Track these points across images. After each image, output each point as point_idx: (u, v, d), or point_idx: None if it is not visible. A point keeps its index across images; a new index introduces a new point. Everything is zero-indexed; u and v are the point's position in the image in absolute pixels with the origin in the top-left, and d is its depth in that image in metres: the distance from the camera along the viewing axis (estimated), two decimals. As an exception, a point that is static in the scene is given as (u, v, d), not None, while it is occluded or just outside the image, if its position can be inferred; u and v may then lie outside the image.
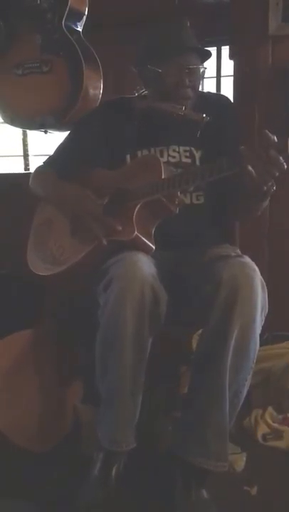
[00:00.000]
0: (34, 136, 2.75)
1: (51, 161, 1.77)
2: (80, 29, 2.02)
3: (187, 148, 1.64)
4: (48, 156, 1.81)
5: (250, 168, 1.28)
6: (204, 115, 1.56)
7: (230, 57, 2.15)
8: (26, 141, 2.79)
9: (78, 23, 2.01)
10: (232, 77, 2.19)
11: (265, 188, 1.34)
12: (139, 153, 1.66)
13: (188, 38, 1.59)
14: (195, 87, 1.61)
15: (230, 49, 2.15)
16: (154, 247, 1.48)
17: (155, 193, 1.46)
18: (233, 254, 1.49)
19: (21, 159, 2.84)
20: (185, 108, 1.57)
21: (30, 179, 1.78)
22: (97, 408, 1.47)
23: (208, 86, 2.37)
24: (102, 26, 2.25)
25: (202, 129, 1.58)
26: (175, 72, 1.57)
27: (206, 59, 1.63)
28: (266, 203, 1.52)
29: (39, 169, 1.80)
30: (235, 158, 1.31)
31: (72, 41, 1.93)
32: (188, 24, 1.61)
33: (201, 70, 1.61)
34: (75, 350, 1.82)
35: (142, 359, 1.40)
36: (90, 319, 1.46)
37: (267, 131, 1.27)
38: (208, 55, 1.62)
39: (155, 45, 1.59)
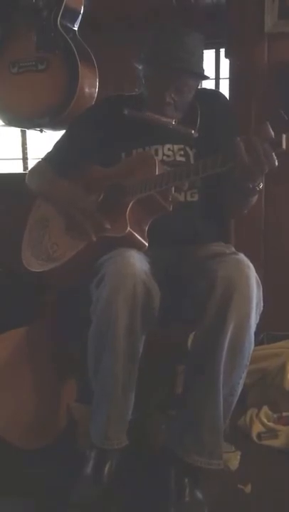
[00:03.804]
0: (33, 139, 2.76)
1: (49, 158, 1.78)
2: (75, 28, 2.03)
3: (181, 146, 1.64)
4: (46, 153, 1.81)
5: (242, 158, 1.27)
6: (193, 131, 1.56)
7: (227, 55, 2.14)
8: (25, 144, 2.80)
9: (74, 22, 2.02)
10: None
11: (251, 185, 1.34)
12: (134, 152, 1.65)
13: (182, 56, 1.52)
14: (179, 106, 1.58)
15: (226, 47, 2.15)
16: (147, 244, 1.48)
17: (148, 189, 1.46)
18: (227, 251, 1.48)
19: (20, 162, 2.85)
20: (175, 122, 1.57)
21: (27, 176, 1.79)
22: (91, 406, 1.46)
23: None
24: (102, 26, 2.26)
25: (194, 139, 1.58)
26: (159, 88, 1.56)
27: (203, 77, 1.62)
28: (254, 199, 1.53)
29: (36, 166, 1.81)
30: (229, 152, 1.30)
31: (67, 39, 1.94)
32: (191, 36, 1.54)
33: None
34: (69, 349, 1.81)
35: (135, 356, 1.39)
36: (85, 317, 1.46)
37: (268, 123, 1.27)
38: (203, 77, 1.61)
39: (148, 54, 1.56)
